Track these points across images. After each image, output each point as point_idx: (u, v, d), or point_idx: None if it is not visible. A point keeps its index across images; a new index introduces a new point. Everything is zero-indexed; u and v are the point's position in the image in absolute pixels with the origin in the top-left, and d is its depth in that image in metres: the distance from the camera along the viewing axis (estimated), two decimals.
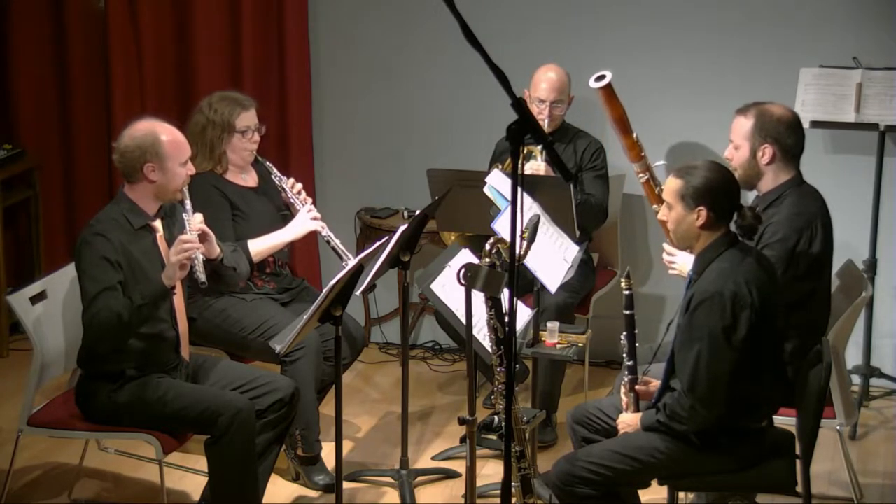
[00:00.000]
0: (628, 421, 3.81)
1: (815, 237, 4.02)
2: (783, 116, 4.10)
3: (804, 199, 4.08)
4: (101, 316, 3.92)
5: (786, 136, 4.09)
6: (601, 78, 4.29)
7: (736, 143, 4.14)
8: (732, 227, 3.72)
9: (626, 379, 3.86)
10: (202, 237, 4.08)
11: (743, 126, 4.12)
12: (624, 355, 3.87)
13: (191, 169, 4.14)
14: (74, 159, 6.16)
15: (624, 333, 3.86)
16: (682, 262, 4.12)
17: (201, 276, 4.01)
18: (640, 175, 4.28)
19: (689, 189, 3.64)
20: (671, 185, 3.70)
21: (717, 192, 3.64)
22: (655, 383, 3.86)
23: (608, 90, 4.30)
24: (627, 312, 3.86)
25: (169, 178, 4.06)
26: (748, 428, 3.70)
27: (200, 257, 4.03)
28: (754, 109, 4.12)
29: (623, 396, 3.87)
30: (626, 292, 3.86)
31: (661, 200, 4.26)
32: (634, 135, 4.33)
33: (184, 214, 4.11)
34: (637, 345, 3.87)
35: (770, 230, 4.00)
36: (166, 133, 4.08)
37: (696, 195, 3.64)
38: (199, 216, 4.12)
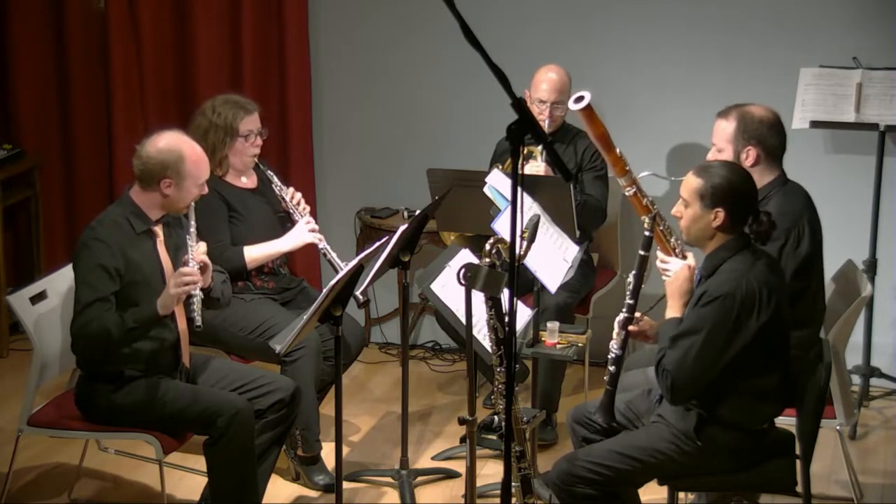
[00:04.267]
0: (685, 273, 3.80)
1: (802, 236, 4.02)
2: (765, 118, 4.10)
3: (789, 199, 4.08)
4: (89, 328, 3.91)
5: (768, 137, 4.09)
6: (580, 99, 4.30)
7: (719, 147, 4.14)
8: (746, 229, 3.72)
9: (622, 316, 3.86)
10: (202, 269, 4.04)
11: (725, 129, 4.12)
12: (627, 292, 3.86)
13: (204, 190, 4.13)
14: (74, 159, 6.16)
15: (633, 273, 3.84)
16: (676, 269, 4.11)
17: (198, 318, 3.98)
18: (627, 189, 4.30)
19: (709, 189, 3.64)
20: (690, 183, 3.69)
21: (738, 195, 3.64)
22: (648, 321, 3.88)
23: (588, 111, 4.31)
24: (642, 253, 3.84)
25: (182, 195, 4.06)
26: (751, 430, 3.70)
27: (199, 297, 3.99)
28: (735, 112, 4.12)
29: (615, 333, 3.88)
30: (647, 233, 3.84)
31: (648, 211, 4.27)
32: (618, 150, 4.35)
33: (188, 238, 4.07)
34: (643, 286, 3.86)
35: None
36: (190, 152, 4.07)
37: (715, 196, 3.63)
38: (202, 246, 4.09)
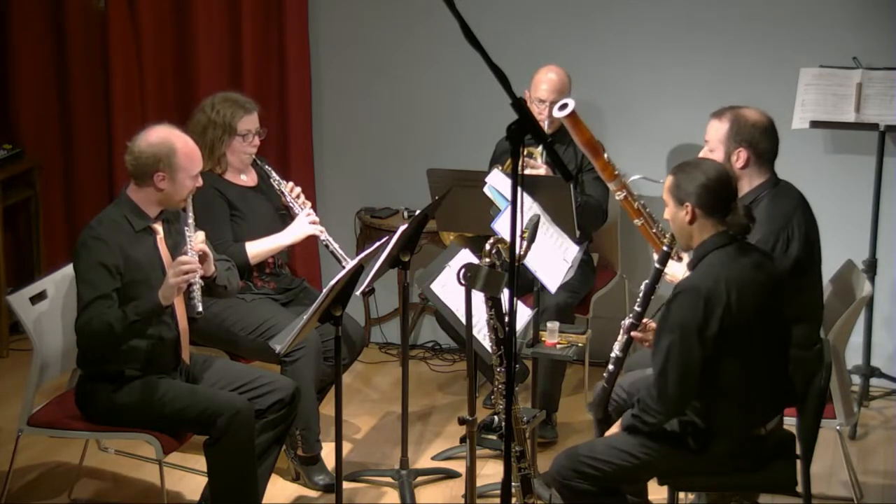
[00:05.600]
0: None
1: (791, 238, 4.02)
2: (757, 121, 4.12)
3: (779, 201, 4.09)
4: (92, 324, 3.91)
5: (760, 141, 4.10)
6: (564, 107, 4.31)
7: (711, 147, 4.17)
8: None
9: (628, 321, 3.88)
10: (202, 258, 4.05)
11: (718, 130, 4.14)
12: (638, 299, 3.88)
13: (199, 182, 4.13)
14: (74, 159, 6.16)
15: (646, 282, 3.86)
16: (673, 270, 4.13)
17: (198, 305, 3.97)
18: (618, 193, 4.31)
19: (679, 186, 3.68)
20: (666, 183, 3.74)
21: (704, 188, 3.64)
22: (654, 328, 3.88)
23: (573, 118, 4.32)
24: (658, 266, 3.86)
25: (177, 188, 4.06)
26: (747, 435, 3.69)
27: (199, 285, 3.99)
28: (729, 114, 4.14)
29: (619, 335, 3.90)
30: (665, 248, 3.86)
31: (640, 214, 4.28)
32: (606, 156, 4.36)
33: (185, 229, 4.08)
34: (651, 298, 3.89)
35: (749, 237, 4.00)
36: (182, 144, 4.06)
37: (683, 191, 3.67)
38: (200, 235, 4.10)
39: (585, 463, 3.71)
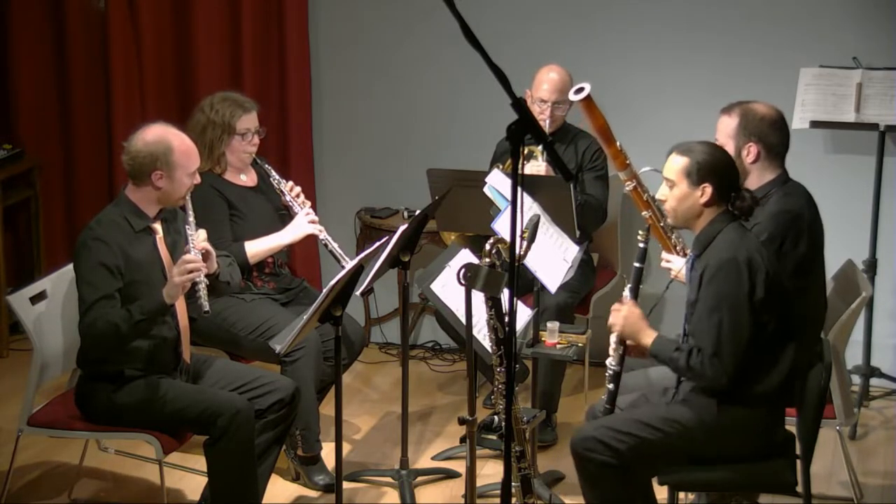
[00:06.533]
0: (626, 313, 3.84)
1: (801, 236, 4.03)
2: (767, 115, 4.12)
3: (789, 198, 4.09)
4: (97, 325, 3.91)
5: (770, 135, 4.10)
6: (580, 90, 4.31)
7: (721, 143, 4.16)
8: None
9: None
10: (205, 255, 4.05)
11: (727, 125, 4.14)
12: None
13: (197, 179, 4.14)
14: (74, 159, 6.16)
15: (629, 286, 3.88)
16: (679, 266, 4.13)
17: (205, 304, 3.98)
18: (627, 183, 4.30)
19: (695, 166, 3.70)
20: (674, 164, 3.75)
21: (722, 169, 3.71)
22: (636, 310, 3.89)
23: (588, 101, 4.32)
24: (637, 265, 3.90)
25: (175, 186, 4.06)
26: (777, 405, 3.71)
27: (204, 284, 4.00)
28: (738, 109, 4.14)
29: (611, 349, 3.91)
30: (641, 245, 3.88)
31: (649, 206, 4.27)
32: (618, 143, 4.35)
33: (186, 228, 4.09)
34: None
35: (756, 230, 4.01)
36: (178, 142, 4.06)
37: (701, 172, 3.70)
38: (202, 233, 4.11)
39: (609, 434, 3.71)
